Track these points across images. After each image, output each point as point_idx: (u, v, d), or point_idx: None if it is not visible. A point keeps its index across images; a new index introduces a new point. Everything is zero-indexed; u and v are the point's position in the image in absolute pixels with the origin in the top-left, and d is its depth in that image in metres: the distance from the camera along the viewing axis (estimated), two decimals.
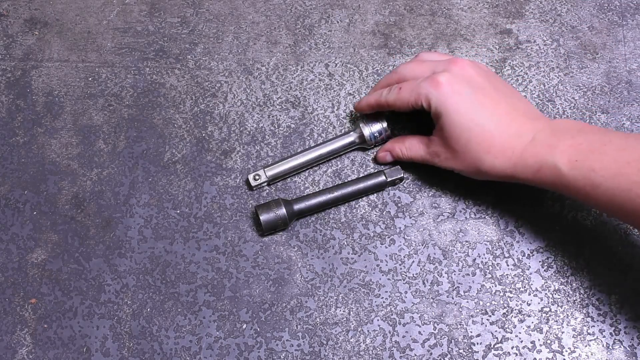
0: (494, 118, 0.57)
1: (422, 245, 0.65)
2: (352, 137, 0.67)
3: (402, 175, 0.65)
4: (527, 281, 0.64)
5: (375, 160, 0.68)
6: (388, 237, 0.66)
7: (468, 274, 0.64)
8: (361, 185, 0.65)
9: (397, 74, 0.64)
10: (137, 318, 0.64)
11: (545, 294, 0.63)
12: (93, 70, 0.73)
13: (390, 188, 0.67)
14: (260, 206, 0.64)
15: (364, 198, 0.67)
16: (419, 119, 0.67)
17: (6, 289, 0.66)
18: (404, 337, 0.63)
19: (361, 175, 0.68)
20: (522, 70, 0.71)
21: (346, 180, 0.67)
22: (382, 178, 0.65)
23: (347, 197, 0.65)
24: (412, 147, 0.64)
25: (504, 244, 0.65)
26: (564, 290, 0.63)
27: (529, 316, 0.63)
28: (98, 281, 0.66)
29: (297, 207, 0.64)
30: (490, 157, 0.56)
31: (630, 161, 0.49)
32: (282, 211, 0.63)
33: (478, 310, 0.63)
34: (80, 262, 0.66)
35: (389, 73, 0.67)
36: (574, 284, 0.63)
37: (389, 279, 0.64)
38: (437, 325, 0.63)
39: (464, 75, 0.59)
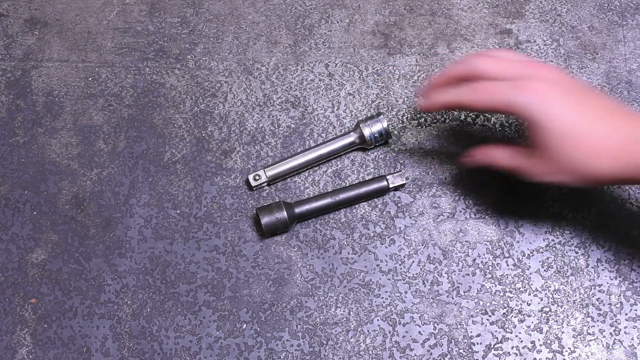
0: (595, 122, 0.53)
1: (422, 245, 0.65)
2: (352, 138, 0.67)
3: (404, 182, 0.65)
4: (527, 281, 0.64)
5: (463, 162, 0.63)
6: (388, 237, 0.66)
7: (468, 274, 0.64)
8: (363, 190, 0.65)
9: (470, 69, 0.58)
10: (137, 318, 0.64)
11: (545, 294, 0.63)
12: (93, 70, 0.73)
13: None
14: (261, 208, 0.64)
15: None
16: (421, 116, 0.67)
17: (6, 289, 0.66)
18: (404, 337, 0.63)
19: (361, 176, 0.68)
20: None
21: (347, 184, 0.67)
22: (384, 184, 0.65)
23: (348, 201, 0.65)
24: (513, 155, 0.58)
25: (504, 244, 0.65)
26: (564, 290, 0.63)
27: (529, 316, 0.63)
28: (98, 281, 0.66)
29: (298, 210, 0.64)
30: (599, 161, 0.53)
31: None
32: (284, 214, 0.63)
33: (478, 310, 0.63)
34: (80, 262, 0.66)
35: (456, 63, 0.60)
36: (574, 284, 0.63)
37: (389, 279, 0.64)
38: (437, 325, 0.63)
39: (555, 80, 0.55)
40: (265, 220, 0.63)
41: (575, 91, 0.55)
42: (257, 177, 0.66)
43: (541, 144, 0.54)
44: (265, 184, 0.67)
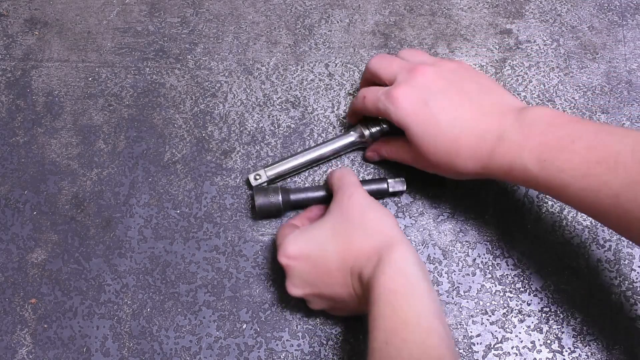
0: (457, 122, 0.55)
1: (422, 245, 0.65)
2: (352, 137, 0.67)
3: (404, 188, 0.65)
4: (527, 281, 0.64)
5: (365, 159, 0.68)
6: None
7: (468, 274, 0.64)
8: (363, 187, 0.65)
9: (369, 72, 0.63)
10: (137, 318, 0.64)
11: (545, 294, 0.63)
12: (93, 70, 0.73)
13: None
14: (258, 189, 0.64)
15: None
16: None
17: (6, 289, 0.66)
18: None
19: (361, 175, 0.68)
20: (522, 70, 0.71)
21: None
22: (384, 186, 0.65)
23: None
24: (397, 150, 0.64)
25: (504, 243, 0.65)
26: (564, 290, 0.63)
27: (529, 316, 0.63)
28: (98, 281, 0.66)
29: (294, 197, 0.64)
30: (461, 160, 0.55)
31: (600, 160, 0.48)
32: (278, 199, 0.63)
33: (478, 310, 0.63)
34: (80, 262, 0.66)
35: (365, 69, 0.65)
36: (574, 284, 0.63)
37: None
38: None
39: (423, 84, 0.57)
40: (259, 201, 0.63)
41: (449, 91, 0.57)
42: (258, 177, 0.66)
43: (411, 143, 0.58)
44: (266, 183, 0.67)
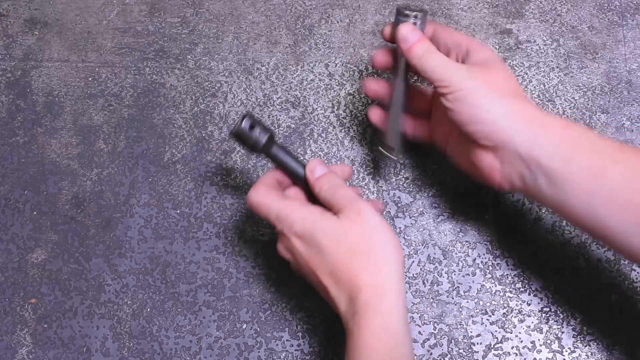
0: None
1: (422, 245, 0.65)
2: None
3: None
4: (527, 281, 0.64)
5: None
6: None
7: (468, 274, 0.64)
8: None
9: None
10: (137, 318, 0.64)
11: (545, 294, 0.63)
12: (93, 70, 0.73)
13: (390, 188, 0.67)
14: (252, 117, 0.58)
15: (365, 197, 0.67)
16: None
17: (6, 289, 0.66)
18: None
19: (361, 175, 0.68)
20: (522, 70, 0.71)
21: (348, 184, 0.67)
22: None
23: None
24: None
25: (504, 244, 0.65)
26: (564, 290, 0.63)
27: (529, 316, 0.63)
28: (98, 281, 0.66)
29: (274, 151, 0.59)
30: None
31: None
32: (262, 138, 0.58)
33: (478, 310, 0.63)
34: (80, 262, 0.66)
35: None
36: (574, 284, 0.63)
37: None
38: (437, 325, 0.63)
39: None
40: (243, 124, 0.57)
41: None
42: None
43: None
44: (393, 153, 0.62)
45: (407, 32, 0.56)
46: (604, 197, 0.48)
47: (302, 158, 0.69)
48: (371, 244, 0.52)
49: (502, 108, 0.52)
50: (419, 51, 0.56)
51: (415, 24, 0.57)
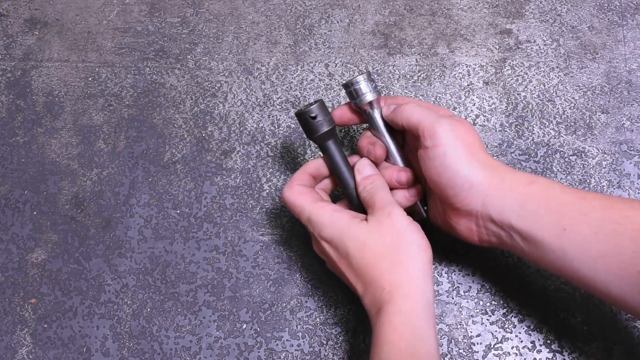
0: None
1: None
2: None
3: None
4: (527, 281, 0.64)
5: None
6: None
7: (468, 274, 0.64)
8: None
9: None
10: (137, 318, 0.64)
11: (545, 293, 0.63)
12: (93, 70, 0.73)
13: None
14: (322, 107, 0.58)
15: None
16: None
17: (6, 289, 0.66)
18: None
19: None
20: (522, 70, 0.71)
21: None
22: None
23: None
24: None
25: None
26: (564, 290, 0.63)
27: (529, 316, 0.63)
28: (98, 281, 0.66)
29: (331, 149, 0.59)
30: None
31: None
32: (324, 129, 0.58)
33: (478, 310, 0.63)
34: (80, 262, 0.66)
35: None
36: (574, 284, 0.63)
37: None
38: (437, 325, 0.63)
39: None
40: (312, 109, 0.57)
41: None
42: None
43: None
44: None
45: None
46: (575, 250, 0.49)
47: (301, 158, 0.69)
48: (397, 246, 0.54)
49: (477, 173, 0.53)
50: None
51: (365, 111, 0.60)
